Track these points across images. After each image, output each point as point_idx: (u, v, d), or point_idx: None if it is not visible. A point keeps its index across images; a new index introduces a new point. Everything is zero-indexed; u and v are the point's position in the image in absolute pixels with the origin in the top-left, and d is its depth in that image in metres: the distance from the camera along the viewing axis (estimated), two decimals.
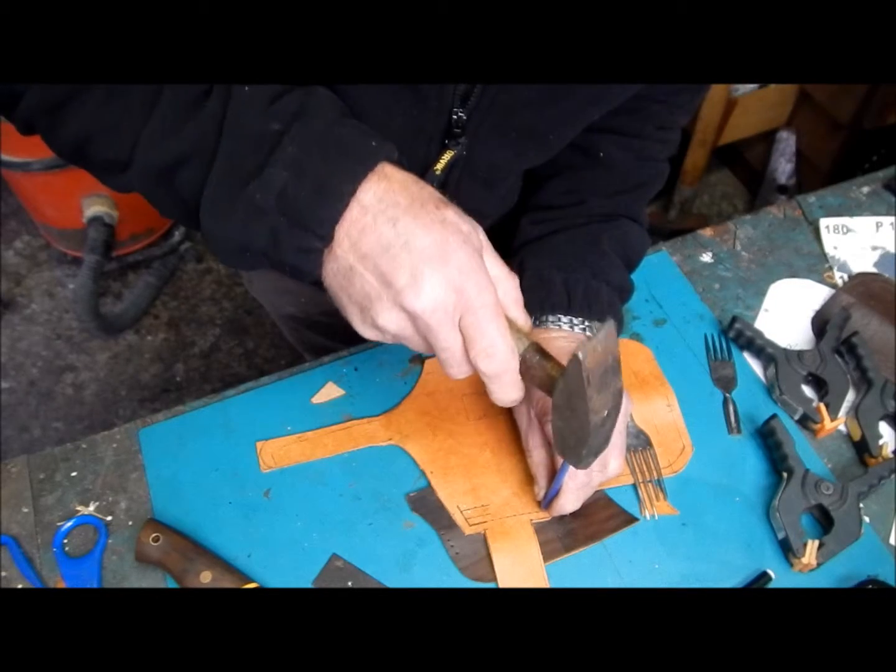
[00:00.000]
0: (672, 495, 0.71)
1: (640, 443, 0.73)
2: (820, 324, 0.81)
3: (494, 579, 0.66)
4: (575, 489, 0.65)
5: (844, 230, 0.89)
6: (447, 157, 0.64)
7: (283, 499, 0.70)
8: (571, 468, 0.57)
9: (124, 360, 1.90)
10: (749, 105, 1.88)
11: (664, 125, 0.77)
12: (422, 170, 0.66)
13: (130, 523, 0.69)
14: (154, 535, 0.65)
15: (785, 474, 0.69)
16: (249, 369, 1.89)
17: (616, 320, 0.71)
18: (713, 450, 0.73)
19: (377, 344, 0.79)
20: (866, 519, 0.69)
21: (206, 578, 0.63)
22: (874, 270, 0.86)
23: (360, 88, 0.55)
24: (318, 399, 0.75)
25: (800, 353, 0.77)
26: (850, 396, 0.77)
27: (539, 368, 0.51)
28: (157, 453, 0.72)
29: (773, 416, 0.72)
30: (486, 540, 0.68)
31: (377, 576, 0.66)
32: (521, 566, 0.67)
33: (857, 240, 0.88)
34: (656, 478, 0.71)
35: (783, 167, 2.04)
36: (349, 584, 0.66)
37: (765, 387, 0.77)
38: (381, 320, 0.49)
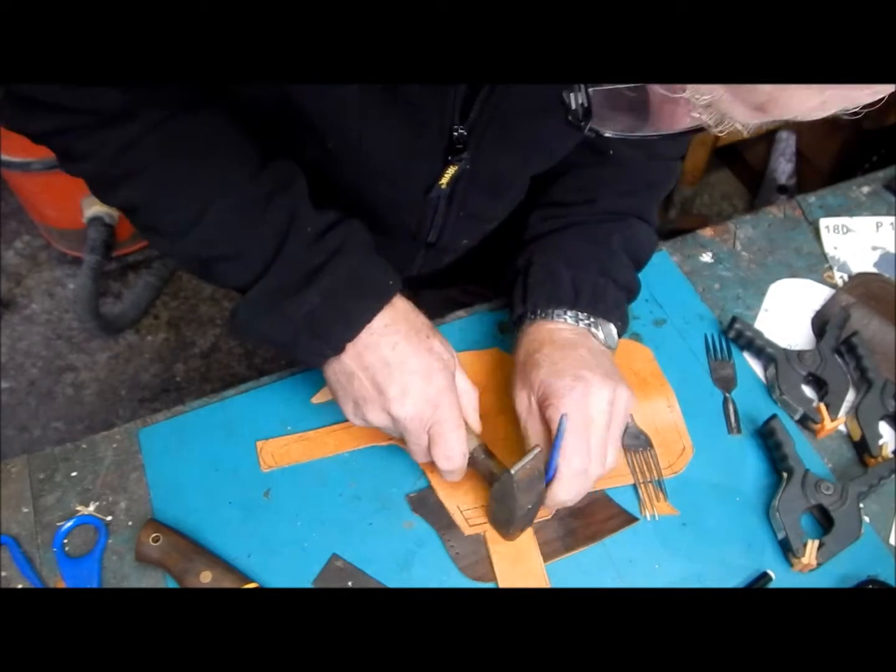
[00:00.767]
0: (672, 495, 0.71)
1: (640, 443, 0.73)
2: (820, 324, 0.81)
3: (494, 579, 0.66)
4: (570, 477, 0.63)
5: (844, 230, 0.89)
6: (451, 171, 0.65)
7: (283, 499, 0.70)
8: (567, 450, 0.62)
9: (124, 360, 1.90)
10: None
11: None
12: (428, 185, 0.66)
13: (130, 523, 0.69)
14: (154, 535, 0.65)
15: (785, 474, 0.69)
16: (249, 369, 1.89)
17: (621, 320, 0.72)
18: (713, 450, 0.73)
19: None
20: (866, 519, 0.69)
21: (206, 578, 0.63)
22: (874, 270, 0.86)
23: (364, 113, 0.58)
24: (318, 399, 0.75)
25: (800, 353, 0.77)
26: (850, 396, 0.77)
27: (483, 465, 0.64)
28: (157, 453, 0.72)
29: (773, 417, 0.72)
30: (485, 540, 0.68)
31: (377, 576, 0.66)
32: (521, 566, 0.67)
33: (857, 240, 0.88)
34: (657, 478, 0.71)
35: (783, 167, 2.04)
36: (349, 584, 0.66)
37: (765, 387, 0.77)
38: (370, 417, 0.62)
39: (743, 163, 2.22)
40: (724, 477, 0.72)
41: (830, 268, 0.86)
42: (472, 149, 0.63)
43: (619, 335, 0.72)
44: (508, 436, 0.72)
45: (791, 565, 0.67)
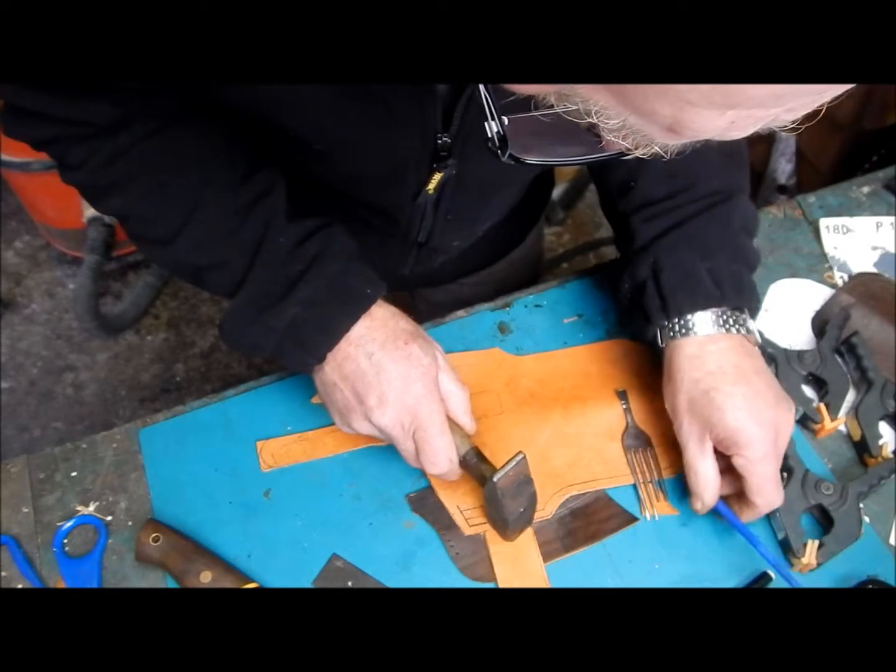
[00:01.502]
0: (672, 495, 0.71)
1: (640, 443, 0.73)
2: (820, 324, 0.81)
3: (494, 579, 0.66)
4: (769, 508, 0.65)
5: (844, 230, 0.89)
6: (437, 178, 0.65)
7: (283, 499, 0.70)
8: (766, 494, 0.64)
9: (124, 360, 1.90)
10: None
11: None
12: (415, 191, 0.67)
13: (130, 523, 0.69)
14: (154, 535, 0.65)
15: (785, 474, 0.69)
16: (249, 369, 1.89)
17: (759, 303, 0.71)
18: None
19: None
20: (866, 519, 0.69)
21: (206, 578, 0.63)
22: (874, 270, 0.86)
23: (346, 122, 0.59)
24: (317, 399, 0.75)
25: (800, 353, 0.77)
26: (850, 396, 0.77)
27: (475, 468, 0.64)
28: (157, 453, 0.72)
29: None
30: (485, 540, 0.68)
31: (377, 576, 0.66)
32: (521, 566, 0.67)
33: (857, 240, 0.88)
34: (657, 478, 0.71)
35: (783, 167, 2.04)
36: (349, 584, 0.66)
37: None
38: (355, 426, 0.63)
39: None
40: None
41: (830, 268, 0.86)
42: (457, 156, 0.63)
43: (754, 317, 0.70)
44: (509, 436, 0.73)
45: (791, 565, 0.67)
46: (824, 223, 0.89)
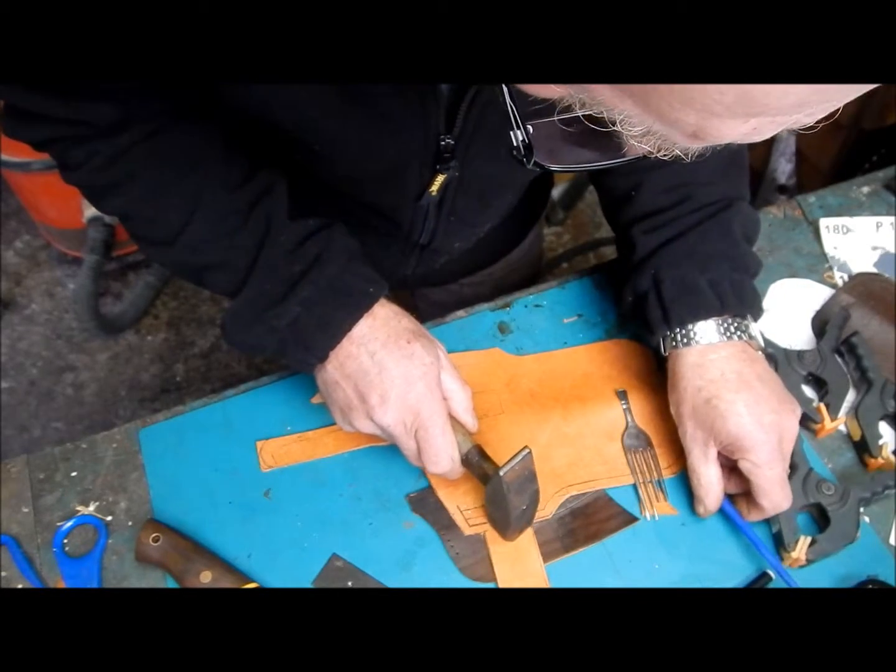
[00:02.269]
0: (672, 495, 0.71)
1: (640, 443, 0.73)
2: (820, 324, 0.81)
3: (494, 579, 0.66)
4: (777, 510, 0.66)
5: (844, 230, 0.89)
6: (440, 179, 0.65)
7: (283, 499, 0.70)
8: (774, 497, 0.65)
9: (124, 360, 1.90)
10: None
11: None
12: (418, 193, 0.67)
13: (130, 523, 0.69)
14: (154, 535, 0.65)
15: (788, 470, 0.69)
16: (249, 369, 1.89)
17: (761, 309, 0.71)
18: None
19: None
20: (866, 519, 0.69)
21: (206, 578, 0.63)
22: (874, 270, 0.86)
23: (347, 123, 0.59)
24: (318, 399, 0.75)
25: (800, 353, 0.77)
26: (850, 396, 0.77)
27: (478, 466, 0.64)
28: (157, 453, 0.72)
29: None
30: (485, 540, 0.68)
31: (377, 576, 0.66)
32: (521, 566, 0.67)
33: (857, 240, 0.88)
34: (657, 478, 0.71)
35: (783, 167, 2.04)
36: (349, 584, 0.66)
37: None
38: (357, 424, 0.63)
39: None
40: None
41: (830, 268, 0.86)
42: (460, 157, 0.63)
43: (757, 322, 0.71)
44: (509, 435, 0.73)
45: (782, 559, 0.67)
46: (824, 223, 0.89)
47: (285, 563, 0.67)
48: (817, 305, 0.83)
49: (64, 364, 1.89)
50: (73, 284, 1.95)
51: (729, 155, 0.71)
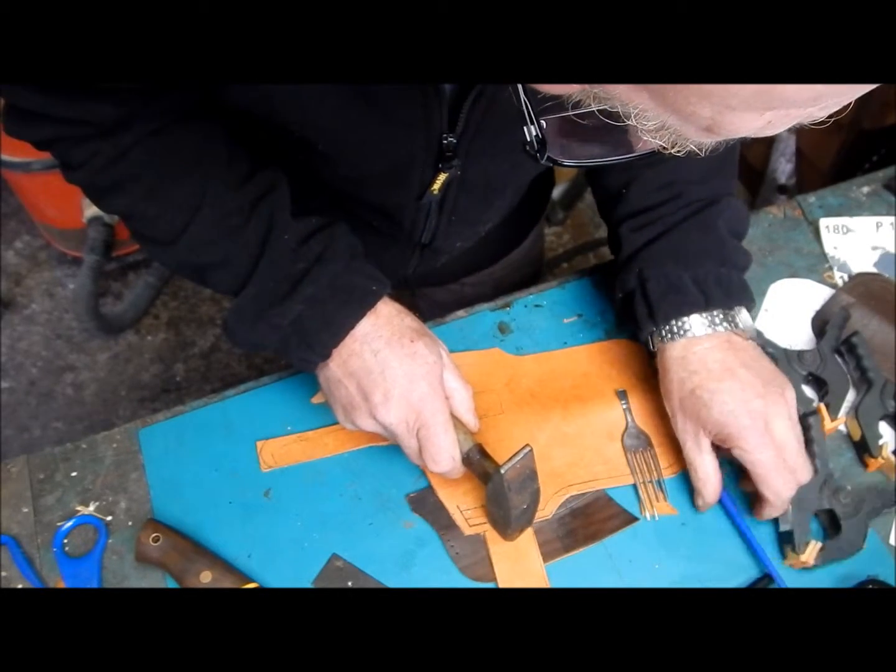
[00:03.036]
0: (672, 495, 0.71)
1: (640, 443, 0.73)
2: (820, 324, 0.81)
3: (494, 579, 0.66)
4: (781, 504, 0.66)
5: (844, 230, 0.89)
6: (442, 178, 0.65)
7: (283, 499, 0.70)
8: (773, 486, 0.64)
9: (124, 360, 1.90)
10: None
11: None
12: (420, 192, 0.67)
13: (130, 523, 0.69)
14: (154, 535, 0.65)
15: (796, 456, 0.69)
16: (249, 369, 1.89)
17: (752, 300, 0.71)
18: None
19: None
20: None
21: (206, 578, 0.63)
22: (874, 270, 0.86)
23: (350, 122, 0.59)
24: (318, 399, 0.75)
25: (800, 353, 0.77)
26: (850, 396, 0.77)
27: (479, 465, 0.64)
28: (157, 453, 0.72)
29: (814, 412, 0.71)
30: (485, 540, 0.68)
31: (377, 576, 0.66)
32: (521, 566, 0.67)
33: (857, 240, 0.88)
34: (657, 478, 0.71)
35: (783, 167, 2.04)
36: (349, 584, 0.66)
37: None
38: (360, 423, 0.63)
39: (743, 163, 2.22)
40: (723, 476, 0.72)
41: (830, 268, 0.86)
42: (463, 156, 0.63)
43: (750, 312, 0.71)
44: (510, 436, 0.73)
45: (784, 557, 0.67)
46: (824, 223, 0.89)
47: (285, 563, 0.67)
48: (817, 305, 0.83)
49: (64, 364, 1.89)
50: (73, 284, 1.95)
51: (721, 155, 0.73)
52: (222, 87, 0.59)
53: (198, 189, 0.62)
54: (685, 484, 0.71)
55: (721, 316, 0.68)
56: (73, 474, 0.71)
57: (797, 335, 0.82)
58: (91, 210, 1.79)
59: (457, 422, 0.65)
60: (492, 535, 0.68)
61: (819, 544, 0.66)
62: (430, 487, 0.70)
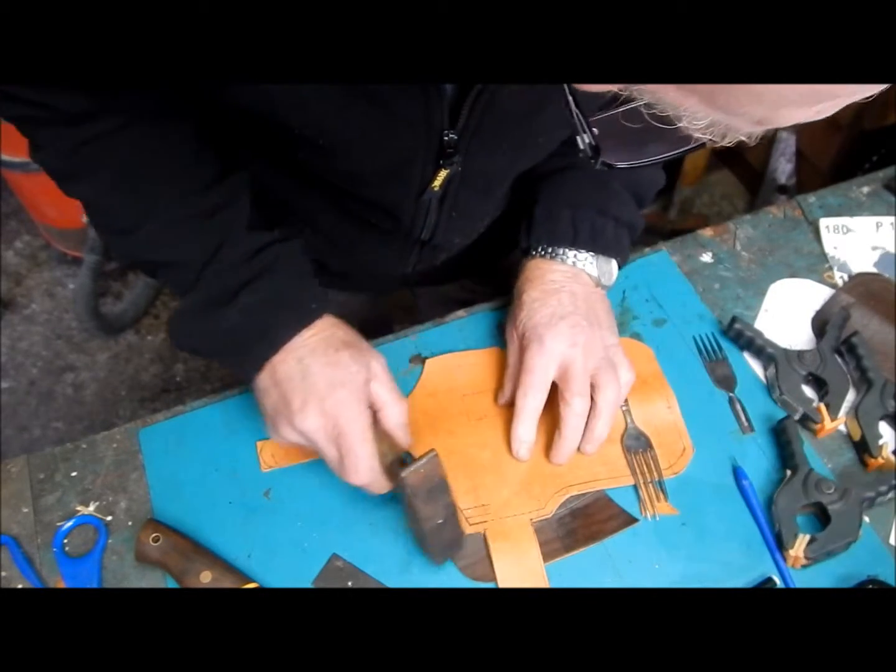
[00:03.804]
0: (672, 495, 0.71)
1: (640, 444, 0.73)
2: (820, 324, 0.81)
3: (494, 579, 0.66)
4: (526, 414, 0.70)
5: (844, 230, 0.89)
6: (443, 174, 0.65)
7: (283, 499, 0.70)
8: (524, 388, 0.70)
9: (124, 360, 1.90)
10: None
11: None
12: (420, 188, 0.67)
13: (130, 523, 0.69)
14: (154, 535, 0.65)
15: (789, 471, 0.69)
16: None
17: (621, 255, 0.77)
18: (714, 450, 0.73)
19: (378, 343, 0.79)
20: (866, 519, 0.69)
21: (206, 578, 0.63)
22: (874, 270, 0.86)
23: (350, 119, 0.59)
24: None
25: (800, 353, 0.77)
26: (850, 396, 0.77)
27: (398, 477, 0.61)
28: (157, 453, 0.72)
29: (788, 417, 0.72)
30: (486, 540, 0.68)
31: (377, 576, 0.66)
32: (521, 566, 0.67)
33: (857, 240, 0.88)
34: (657, 479, 0.71)
35: (783, 167, 2.04)
36: (349, 584, 0.66)
37: (765, 387, 0.77)
38: (283, 432, 0.63)
39: (743, 163, 2.22)
40: (724, 477, 0.72)
41: (830, 268, 0.86)
42: (463, 152, 0.63)
43: (620, 267, 0.77)
44: (509, 436, 0.73)
45: (785, 560, 0.67)
46: (824, 223, 0.89)
47: (285, 563, 0.67)
48: (817, 305, 0.83)
49: (64, 364, 1.89)
50: (73, 284, 1.95)
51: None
52: (222, 85, 0.59)
53: (158, 188, 0.63)
54: (685, 484, 0.71)
55: (585, 255, 0.74)
56: (73, 474, 0.71)
57: (797, 335, 0.82)
58: None
59: (384, 434, 0.64)
60: (492, 535, 0.68)
61: (807, 537, 0.66)
62: None
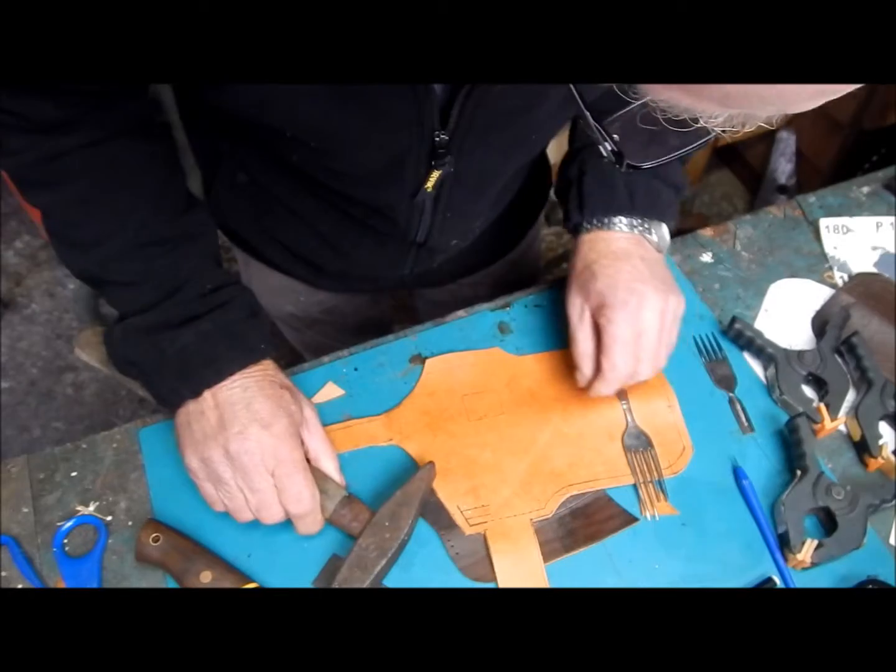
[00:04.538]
0: (672, 495, 0.71)
1: (640, 444, 0.73)
2: (820, 324, 0.81)
3: (494, 579, 0.66)
4: (612, 377, 0.69)
5: (844, 230, 0.89)
6: (436, 175, 0.66)
7: None
8: (612, 355, 0.68)
9: None
10: None
11: None
12: (414, 189, 0.67)
13: (130, 523, 0.69)
14: (154, 535, 0.65)
15: (798, 472, 0.69)
16: None
17: (673, 218, 0.75)
18: (714, 450, 0.73)
19: (377, 344, 0.79)
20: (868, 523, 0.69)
21: (206, 578, 0.63)
22: (874, 270, 0.86)
23: (342, 121, 0.59)
24: (318, 399, 0.75)
25: (800, 353, 0.77)
26: (850, 396, 0.77)
27: (343, 517, 0.66)
28: (157, 453, 0.72)
29: (801, 414, 0.72)
30: (486, 540, 0.68)
31: None
32: (521, 566, 0.67)
33: (857, 240, 0.88)
34: (657, 478, 0.71)
35: (783, 167, 2.04)
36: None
37: (765, 387, 0.77)
38: (209, 452, 0.61)
39: (743, 163, 2.22)
40: (724, 477, 0.72)
41: (830, 268, 0.86)
42: (455, 152, 0.63)
43: (671, 232, 0.76)
44: (509, 436, 0.73)
45: (786, 561, 0.67)
46: (824, 223, 0.89)
47: (285, 563, 0.67)
48: (817, 305, 0.83)
49: (64, 364, 1.89)
50: (73, 284, 1.95)
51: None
52: (213, 90, 0.59)
53: (126, 208, 0.63)
54: (685, 484, 0.71)
55: (641, 222, 0.73)
56: (73, 474, 0.71)
57: (797, 335, 0.82)
58: None
59: (322, 474, 0.66)
60: (492, 535, 0.68)
61: (815, 542, 0.66)
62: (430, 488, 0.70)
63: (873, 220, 0.90)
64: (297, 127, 0.61)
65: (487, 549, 0.67)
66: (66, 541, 0.68)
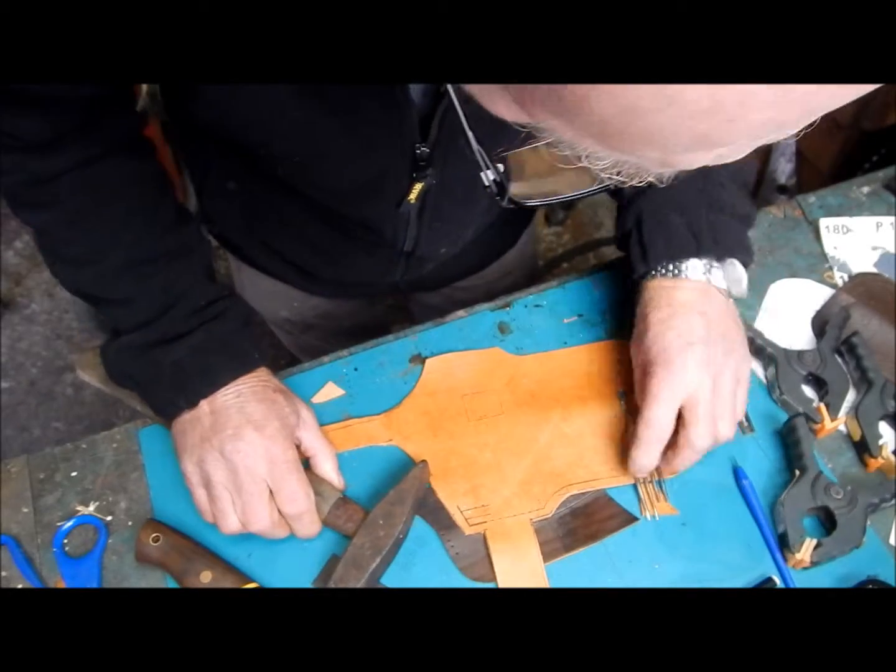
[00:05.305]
0: (673, 495, 0.71)
1: None
2: (820, 324, 0.81)
3: (494, 579, 0.66)
4: (647, 443, 0.65)
5: (844, 230, 0.89)
6: (418, 187, 0.66)
7: None
8: (648, 419, 0.64)
9: None
10: None
11: None
12: (397, 201, 0.67)
13: (130, 523, 0.69)
14: (154, 535, 0.65)
15: (797, 472, 0.69)
16: None
17: (746, 253, 0.70)
18: (714, 450, 0.73)
19: (377, 344, 0.79)
20: (868, 522, 0.69)
21: (206, 578, 0.63)
22: (874, 270, 0.86)
23: (322, 135, 0.59)
24: (317, 399, 0.75)
25: (800, 353, 0.77)
26: (850, 396, 0.77)
27: (338, 518, 0.66)
28: (157, 453, 0.72)
29: (799, 415, 0.72)
30: (486, 540, 0.68)
31: None
32: (521, 566, 0.67)
33: (857, 240, 0.88)
34: (657, 478, 0.71)
35: (783, 167, 2.04)
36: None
37: (765, 387, 0.77)
38: (203, 454, 0.62)
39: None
40: (724, 477, 0.72)
41: (830, 268, 0.86)
42: (437, 165, 0.63)
43: (747, 267, 0.70)
44: (509, 436, 0.73)
45: (786, 560, 0.67)
46: (824, 223, 0.89)
47: (285, 563, 0.67)
48: (817, 305, 0.83)
49: (64, 364, 1.89)
50: None
51: None
52: (200, 104, 0.59)
53: (118, 227, 0.63)
54: (685, 484, 0.71)
55: (710, 263, 0.68)
56: (73, 474, 0.71)
57: (797, 335, 0.82)
58: None
59: (317, 478, 0.67)
60: (492, 535, 0.68)
61: (814, 541, 0.66)
62: (430, 487, 0.70)
63: (873, 220, 0.90)
64: (277, 142, 0.61)
65: (487, 549, 0.67)
66: (66, 541, 0.68)
